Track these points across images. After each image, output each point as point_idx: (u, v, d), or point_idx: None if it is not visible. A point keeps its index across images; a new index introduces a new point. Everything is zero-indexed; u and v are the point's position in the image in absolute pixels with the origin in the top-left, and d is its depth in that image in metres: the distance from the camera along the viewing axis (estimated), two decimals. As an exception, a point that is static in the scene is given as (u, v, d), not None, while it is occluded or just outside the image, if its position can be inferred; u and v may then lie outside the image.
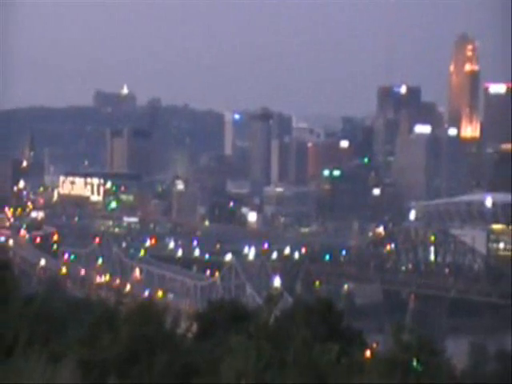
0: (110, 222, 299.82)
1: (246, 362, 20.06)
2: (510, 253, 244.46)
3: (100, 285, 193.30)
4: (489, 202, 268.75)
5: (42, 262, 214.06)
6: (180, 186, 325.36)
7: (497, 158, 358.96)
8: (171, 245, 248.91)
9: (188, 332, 27.12)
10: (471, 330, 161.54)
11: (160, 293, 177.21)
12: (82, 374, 17.34)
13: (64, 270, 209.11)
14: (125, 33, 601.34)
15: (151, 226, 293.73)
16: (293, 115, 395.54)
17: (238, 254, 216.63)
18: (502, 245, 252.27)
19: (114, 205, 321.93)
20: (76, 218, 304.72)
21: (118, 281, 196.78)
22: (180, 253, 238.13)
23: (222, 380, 19.59)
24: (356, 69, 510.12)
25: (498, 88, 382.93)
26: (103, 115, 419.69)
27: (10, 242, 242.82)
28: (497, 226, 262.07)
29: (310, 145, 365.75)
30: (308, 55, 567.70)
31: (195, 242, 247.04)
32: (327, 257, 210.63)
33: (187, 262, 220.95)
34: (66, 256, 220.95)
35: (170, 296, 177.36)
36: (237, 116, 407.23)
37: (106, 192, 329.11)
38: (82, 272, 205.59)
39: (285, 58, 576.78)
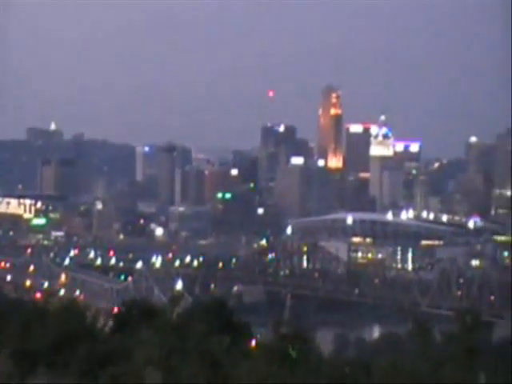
0: (40, 236, 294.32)
1: (153, 350, 19.84)
2: (365, 260, 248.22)
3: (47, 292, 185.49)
4: (349, 219, 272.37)
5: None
6: (99, 205, 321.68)
7: (356, 184, 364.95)
8: (91, 254, 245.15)
9: (106, 326, 26.67)
10: (335, 323, 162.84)
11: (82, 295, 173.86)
12: (14, 363, 16.84)
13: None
14: (48, 72, 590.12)
15: (75, 239, 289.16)
16: (193, 148, 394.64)
17: (147, 262, 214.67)
18: (359, 254, 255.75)
19: (39, 221, 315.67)
20: (11, 233, 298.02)
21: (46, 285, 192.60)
22: (99, 261, 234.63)
23: (134, 366, 19.32)
24: (244, 110, 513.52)
25: (356, 128, 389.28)
26: (35, 147, 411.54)
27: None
28: (356, 239, 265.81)
29: (206, 172, 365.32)
30: (205, 98, 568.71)
31: (111, 252, 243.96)
32: (220, 264, 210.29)
33: (105, 269, 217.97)
34: (3, 264, 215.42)
35: (92, 297, 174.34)
36: (146, 148, 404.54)
37: (36, 211, 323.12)
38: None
39: (187, 100, 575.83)
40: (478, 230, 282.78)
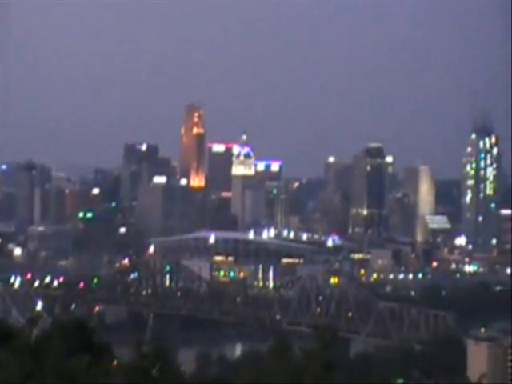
0: None
1: (10, 374, 19.27)
2: (228, 279, 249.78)
3: None
4: (212, 238, 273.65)
5: None
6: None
7: (218, 203, 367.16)
8: None
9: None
10: (198, 342, 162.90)
11: None
12: None
13: None
14: None
15: None
16: (53, 166, 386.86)
17: (5, 283, 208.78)
18: (222, 272, 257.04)
19: None
20: None
21: None
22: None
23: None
24: (106, 128, 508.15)
25: (218, 147, 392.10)
26: None
27: None
28: (218, 258, 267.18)
29: (67, 191, 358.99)
30: (65, 116, 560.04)
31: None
32: (82, 284, 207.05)
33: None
34: None
35: None
36: (4, 166, 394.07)
37: None
38: None
39: (47, 117, 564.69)
40: (336, 248, 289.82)
